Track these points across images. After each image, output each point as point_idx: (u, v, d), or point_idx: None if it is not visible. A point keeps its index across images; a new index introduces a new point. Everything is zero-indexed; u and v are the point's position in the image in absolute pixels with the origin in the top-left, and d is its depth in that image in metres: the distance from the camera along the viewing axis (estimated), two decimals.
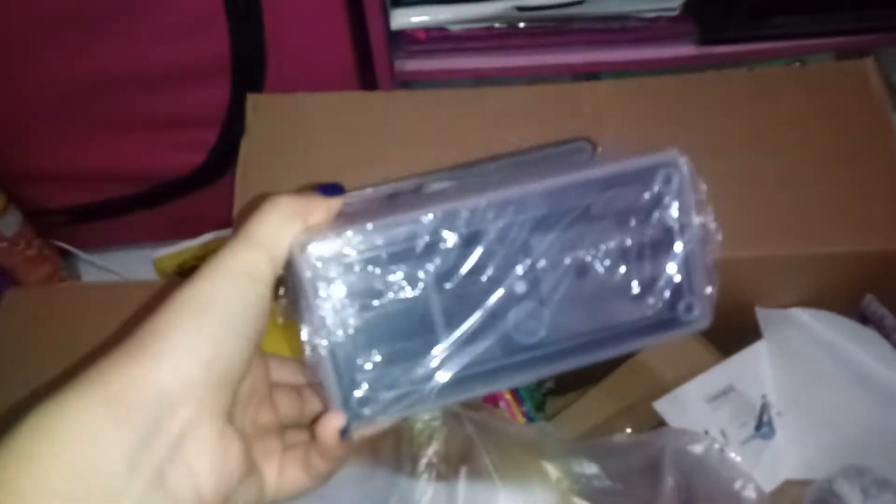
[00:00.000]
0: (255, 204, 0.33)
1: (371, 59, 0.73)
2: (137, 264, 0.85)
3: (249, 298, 0.30)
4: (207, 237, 0.83)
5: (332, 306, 0.32)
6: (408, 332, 0.33)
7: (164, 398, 0.26)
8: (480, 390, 0.34)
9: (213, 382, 0.28)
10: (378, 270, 0.32)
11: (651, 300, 0.36)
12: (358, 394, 0.32)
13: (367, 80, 0.75)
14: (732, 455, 0.52)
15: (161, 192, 0.78)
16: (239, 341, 0.29)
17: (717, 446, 0.51)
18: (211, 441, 0.28)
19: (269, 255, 0.31)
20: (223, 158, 0.74)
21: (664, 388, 0.55)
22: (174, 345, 0.27)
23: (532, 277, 0.34)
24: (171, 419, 0.26)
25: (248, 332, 0.30)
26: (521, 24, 0.80)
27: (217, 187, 0.77)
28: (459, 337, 0.34)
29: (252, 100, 0.61)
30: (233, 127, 0.70)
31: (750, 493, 0.50)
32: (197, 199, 0.79)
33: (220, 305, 0.29)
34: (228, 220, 0.56)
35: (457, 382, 0.34)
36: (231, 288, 0.29)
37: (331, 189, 0.34)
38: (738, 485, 0.50)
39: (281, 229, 0.31)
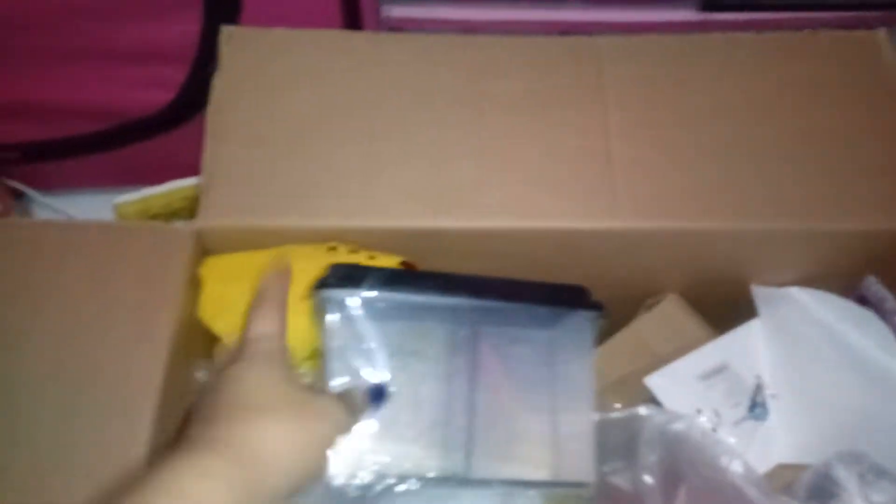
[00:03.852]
0: None
1: (357, 2, 0.68)
2: (97, 209, 0.79)
3: None
4: (172, 185, 0.78)
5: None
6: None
7: None
8: None
9: None
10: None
11: None
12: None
13: (352, 24, 0.70)
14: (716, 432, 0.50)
15: (124, 133, 0.73)
16: None
17: (699, 423, 0.49)
18: None
19: None
20: (193, 97, 0.69)
21: (656, 363, 0.53)
22: None
23: None
24: None
25: None
26: None
27: (185, 130, 0.72)
28: None
29: (226, 32, 0.57)
30: (205, 63, 0.64)
31: (737, 467, 0.47)
32: (163, 142, 0.74)
33: None
34: (195, 167, 0.52)
35: None
36: None
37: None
38: (724, 460, 0.48)
39: None
